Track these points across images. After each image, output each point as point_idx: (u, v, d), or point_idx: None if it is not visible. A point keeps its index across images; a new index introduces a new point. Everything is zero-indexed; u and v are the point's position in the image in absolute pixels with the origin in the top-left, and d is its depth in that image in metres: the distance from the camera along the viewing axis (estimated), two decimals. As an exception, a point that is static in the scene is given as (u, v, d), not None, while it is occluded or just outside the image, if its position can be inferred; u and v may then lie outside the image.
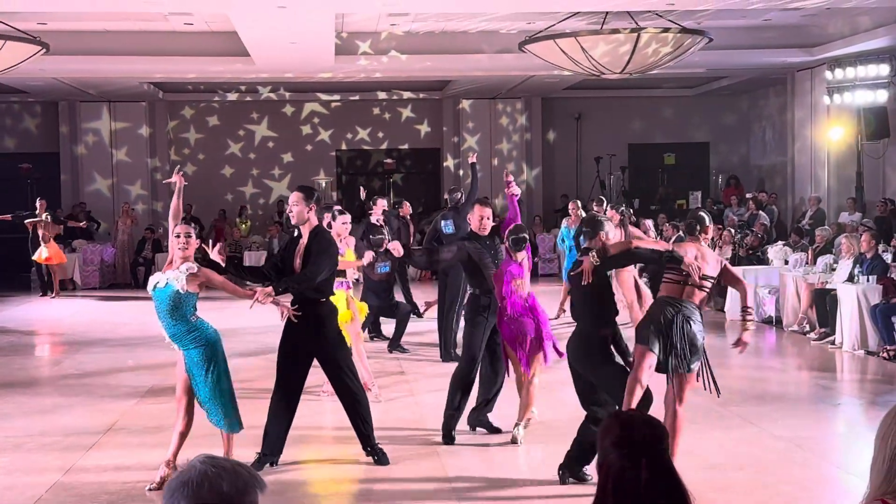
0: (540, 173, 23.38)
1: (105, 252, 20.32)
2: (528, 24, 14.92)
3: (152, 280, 6.40)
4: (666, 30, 12.93)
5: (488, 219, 7.66)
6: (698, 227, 6.56)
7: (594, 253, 6.29)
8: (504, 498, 6.40)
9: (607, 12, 13.11)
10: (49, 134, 22.44)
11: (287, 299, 6.77)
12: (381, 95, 23.02)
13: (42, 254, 17.55)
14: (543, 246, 21.40)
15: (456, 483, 6.53)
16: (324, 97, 22.97)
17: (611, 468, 2.63)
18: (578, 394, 6.50)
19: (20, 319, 15.39)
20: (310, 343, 6.75)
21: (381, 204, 12.47)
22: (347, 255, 8.83)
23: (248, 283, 7.30)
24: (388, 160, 23.80)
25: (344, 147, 23.53)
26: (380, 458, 6.87)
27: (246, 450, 6.75)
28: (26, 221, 18.01)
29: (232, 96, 22.61)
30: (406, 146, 23.68)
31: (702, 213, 6.74)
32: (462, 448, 7.44)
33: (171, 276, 6.23)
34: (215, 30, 15.25)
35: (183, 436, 6.46)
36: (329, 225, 8.49)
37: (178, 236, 6.31)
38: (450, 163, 23.37)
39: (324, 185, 23.18)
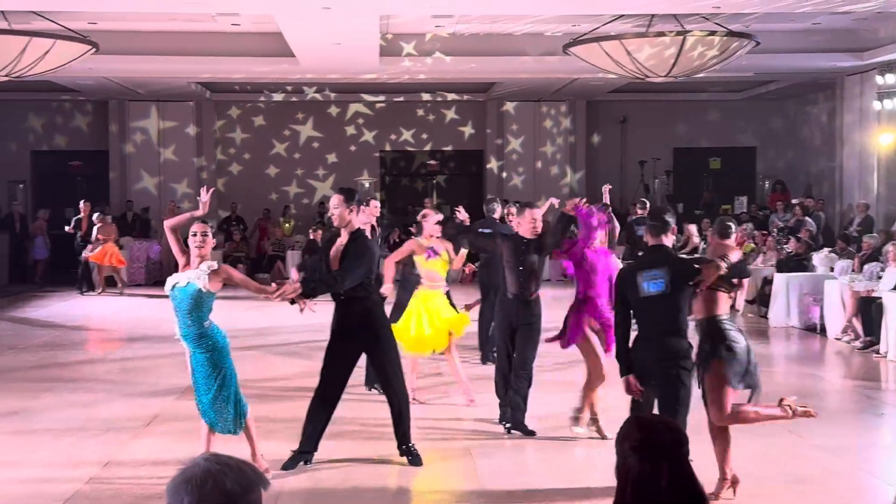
0: (583, 177, 23.26)
1: (151, 249, 20.57)
2: (573, 27, 14.86)
3: (171, 280, 6.41)
4: (712, 33, 12.83)
5: (539, 221, 7.76)
6: (731, 230, 6.54)
7: (722, 261, 5.98)
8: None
9: (653, 15, 13.03)
10: (99, 132, 22.79)
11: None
12: (426, 97, 23.07)
13: (91, 251, 17.77)
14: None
15: (488, 486, 6.51)
16: (368, 98, 23.07)
17: (630, 472, 2.61)
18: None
19: (66, 315, 15.63)
20: (358, 339, 6.77)
21: (375, 205, 12.76)
22: (444, 257, 8.67)
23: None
24: (432, 162, 23.85)
25: (388, 148, 23.61)
26: (413, 458, 6.88)
27: (275, 444, 6.81)
28: (71, 225, 18.29)
29: (278, 97, 22.79)
30: (450, 148, 23.70)
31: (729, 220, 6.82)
32: (497, 450, 7.44)
33: (193, 276, 6.26)
34: (262, 30, 15.38)
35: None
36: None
37: (195, 235, 6.34)
38: (493, 165, 23.34)
39: (367, 185, 23.28)
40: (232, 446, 6.40)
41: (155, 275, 20.37)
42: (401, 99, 23.01)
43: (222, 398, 6.34)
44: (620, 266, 7.60)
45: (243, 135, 23.19)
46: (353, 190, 7.16)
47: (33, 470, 6.87)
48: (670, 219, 6.26)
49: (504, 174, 23.13)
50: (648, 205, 14.33)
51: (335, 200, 6.86)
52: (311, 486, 6.41)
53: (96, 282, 18.41)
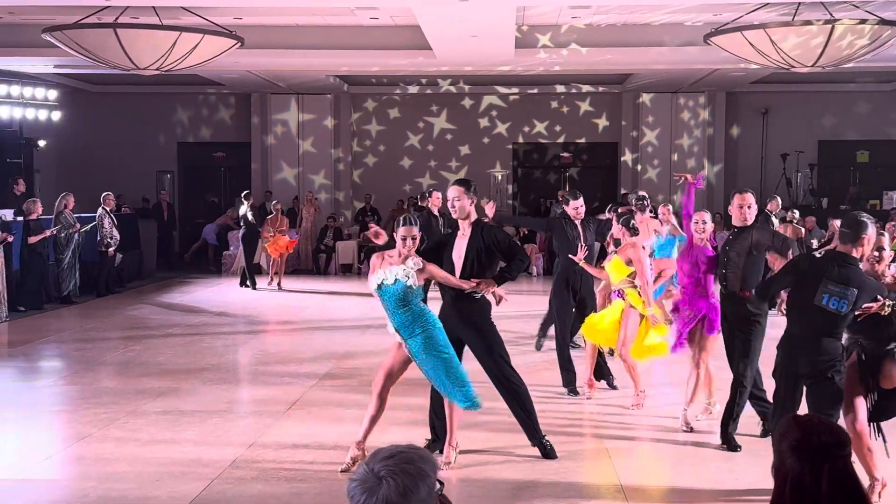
0: (722, 170, 22.73)
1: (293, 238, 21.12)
2: (714, 16, 14.50)
3: (375, 279, 6.46)
4: (862, 21, 12.30)
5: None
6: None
7: (888, 301, 5.60)
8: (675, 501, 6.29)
9: (799, 2, 12.59)
10: (242, 124, 23.54)
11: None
12: (560, 89, 22.94)
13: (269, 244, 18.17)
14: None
15: (625, 481, 6.43)
16: (502, 90, 23.09)
17: (788, 473, 2.54)
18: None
19: (209, 301, 16.23)
20: (459, 329, 6.78)
21: (437, 196, 13.59)
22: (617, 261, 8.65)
23: None
24: (565, 154, 23.71)
25: (521, 140, 23.58)
26: (547, 451, 6.86)
27: (408, 432, 6.90)
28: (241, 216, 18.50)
29: (413, 89, 23.04)
30: (583, 140, 23.51)
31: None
32: (635, 447, 7.36)
33: (401, 274, 6.38)
34: (399, 24, 15.56)
35: (374, 419, 6.60)
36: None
37: (405, 239, 6.44)
38: (627, 157, 23.04)
39: (499, 178, 23.33)
40: (407, 436, 6.52)
41: (292, 264, 20.90)
42: (534, 91, 22.94)
43: (453, 374, 6.41)
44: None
45: (379, 127, 23.55)
46: (470, 181, 7.18)
47: (182, 449, 7.15)
48: (866, 224, 5.66)
49: (639, 167, 22.80)
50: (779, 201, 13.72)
51: (456, 192, 6.84)
52: (441, 476, 6.47)
53: (269, 273, 18.60)
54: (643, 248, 8.68)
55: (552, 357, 10.74)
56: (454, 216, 6.94)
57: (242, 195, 18.31)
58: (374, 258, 6.57)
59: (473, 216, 6.89)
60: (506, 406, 6.99)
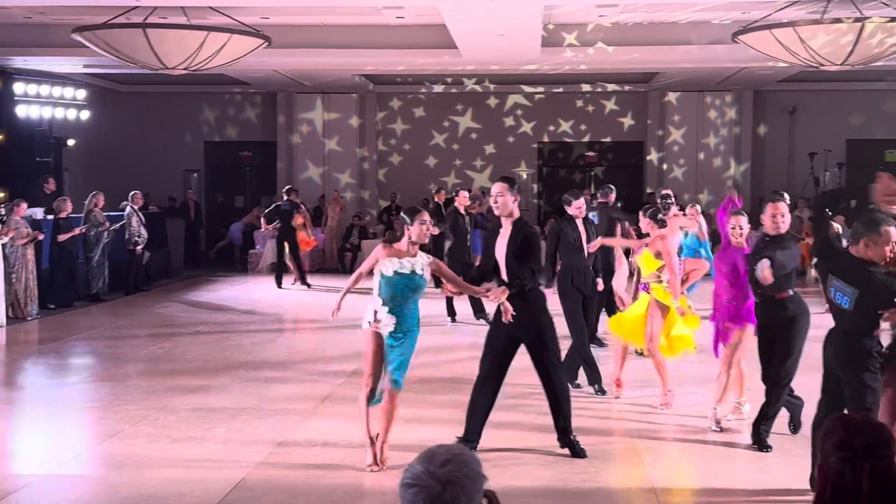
0: (748, 169, 22.60)
1: (315, 237, 21.18)
2: (742, 14, 14.42)
3: (391, 265, 6.51)
4: (893, 19, 12.19)
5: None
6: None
7: None
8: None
9: (829, 0, 12.49)
10: (268, 124, 23.64)
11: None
12: (585, 88, 22.88)
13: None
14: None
15: (656, 481, 6.42)
16: (527, 89, 23.06)
17: (830, 471, 2.53)
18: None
19: (236, 299, 16.31)
20: (517, 329, 6.78)
21: (464, 195, 13.99)
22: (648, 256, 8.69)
23: None
24: (590, 153, 23.64)
25: (546, 139, 23.54)
26: (576, 450, 6.86)
27: (440, 430, 6.91)
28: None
29: (438, 88, 23.05)
30: (609, 139, 23.44)
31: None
32: (664, 446, 7.34)
33: (418, 267, 6.51)
34: (425, 23, 15.58)
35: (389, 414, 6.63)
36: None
37: (424, 223, 6.54)
38: (653, 156, 22.95)
39: (524, 176, 23.30)
40: (438, 435, 6.53)
41: (317, 262, 20.98)
42: (560, 90, 22.89)
43: (405, 360, 6.60)
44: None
45: (404, 126, 23.58)
46: (514, 178, 7.21)
47: (212, 446, 7.20)
48: (878, 223, 5.57)
49: (664, 166, 22.71)
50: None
51: (499, 188, 6.89)
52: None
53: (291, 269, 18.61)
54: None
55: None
56: (497, 213, 6.97)
57: (284, 190, 18.45)
58: (381, 247, 6.63)
59: (516, 214, 6.92)
60: (532, 404, 7.00)
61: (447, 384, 9.15)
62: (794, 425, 7.39)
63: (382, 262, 6.55)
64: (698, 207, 12.41)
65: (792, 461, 6.70)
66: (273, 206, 18.43)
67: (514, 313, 6.63)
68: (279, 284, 17.77)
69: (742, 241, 7.44)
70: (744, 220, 7.54)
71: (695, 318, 8.53)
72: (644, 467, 6.72)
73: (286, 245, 17.97)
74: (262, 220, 18.66)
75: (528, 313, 6.76)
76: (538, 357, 6.90)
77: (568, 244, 9.24)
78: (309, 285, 17.83)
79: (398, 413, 6.69)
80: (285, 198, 18.10)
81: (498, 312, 6.85)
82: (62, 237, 14.76)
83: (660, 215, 8.84)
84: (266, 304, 15.89)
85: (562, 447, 6.92)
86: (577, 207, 9.27)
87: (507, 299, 6.69)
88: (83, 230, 15.26)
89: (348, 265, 20.83)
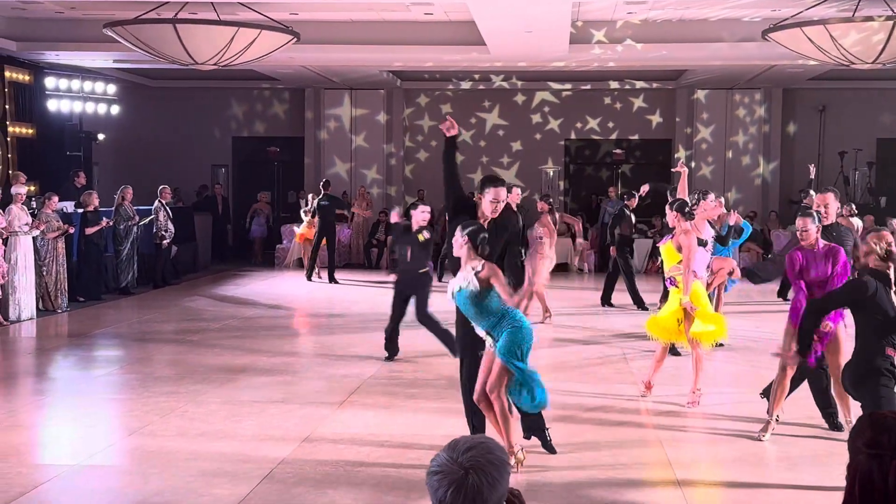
0: (777, 167, 22.46)
1: (341, 233, 21.25)
2: (772, 12, 14.32)
3: (451, 286, 6.38)
4: (926, 17, 12.08)
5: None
6: None
7: None
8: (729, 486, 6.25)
9: (861, -2, 12.40)
10: (295, 119, 23.74)
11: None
12: (613, 85, 22.81)
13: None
14: (779, 243, 20.51)
15: (679, 472, 6.41)
16: (555, 86, 23.02)
17: (858, 469, 2.53)
18: None
19: (263, 293, 16.40)
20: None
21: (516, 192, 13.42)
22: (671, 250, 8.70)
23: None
24: (618, 150, 23.58)
25: (573, 136, 23.49)
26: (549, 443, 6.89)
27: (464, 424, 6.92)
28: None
29: (465, 85, 23.06)
30: (636, 137, 23.36)
31: None
32: (691, 445, 7.32)
33: (462, 281, 6.23)
34: (453, 19, 15.59)
35: (496, 423, 6.42)
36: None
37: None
38: (681, 154, 22.84)
39: (551, 174, 23.27)
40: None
41: (343, 258, 21.05)
42: (587, 87, 22.84)
43: (527, 373, 6.22)
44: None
45: (431, 122, 23.59)
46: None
47: (241, 439, 7.25)
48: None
49: (692, 164, 22.58)
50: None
51: (504, 194, 6.85)
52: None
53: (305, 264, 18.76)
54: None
55: (606, 353, 10.76)
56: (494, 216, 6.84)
57: (322, 184, 18.59)
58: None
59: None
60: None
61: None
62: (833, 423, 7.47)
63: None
64: (722, 199, 12.34)
65: (821, 459, 6.67)
66: (315, 202, 18.38)
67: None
68: (309, 278, 17.88)
69: (809, 242, 7.17)
70: (809, 223, 7.11)
71: (713, 316, 8.45)
72: (671, 465, 6.71)
73: (324, 240, 18.02)
74: (304, 215, 18.73)
75: None
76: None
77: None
78: (336, 281, 17.90)
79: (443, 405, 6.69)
80: (322, 192, 18.19)
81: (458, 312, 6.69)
82: (89, 230, 14.89)
83: (687, 208, 8.75)
84: (293, 298, 15.97)
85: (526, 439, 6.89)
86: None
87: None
88: (110, 223, 15.37)
89: (374, 261, 20.90)
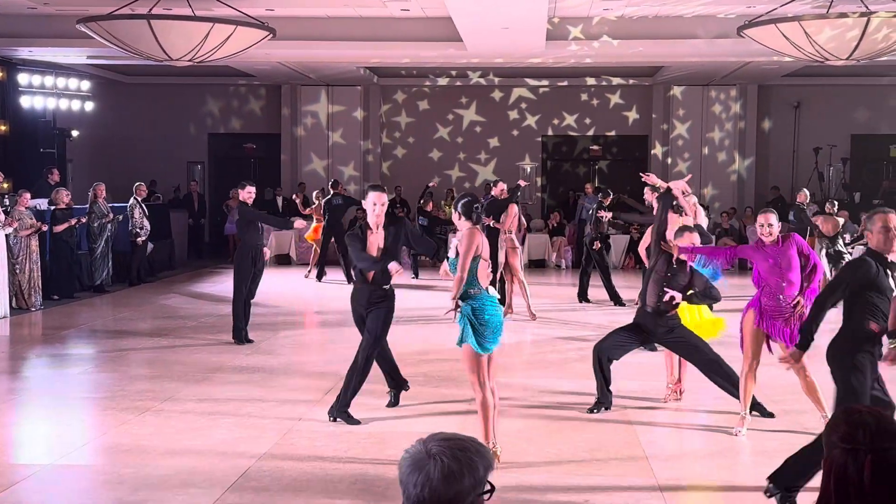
0: (753, 163, 22.60)
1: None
2: (748, 8, 14.40)
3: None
4: (899, 14, 12.17)
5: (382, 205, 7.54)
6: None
7: None
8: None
9: (835, -5, 12.49)
10: (272, 116, 23.64)
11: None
12: (590, 81, 22.87)
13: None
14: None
15: (656, 466, 6.43)
16: (532, 83, 23.04)
17: (833, 464, 2.54)
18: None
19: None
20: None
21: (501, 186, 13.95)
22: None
23: None
24: (595, 147, 23.64)
25: (550, 133, 23.54)
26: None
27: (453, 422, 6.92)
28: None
29: (442, 81, 23.04)
30: (613, 133, 23.43)
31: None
32: (662, 430, 7.35)
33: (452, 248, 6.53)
34: (430, 15, 15.57)
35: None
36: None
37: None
38: (658, 150, 22.95)
39: (528, 170, 23.30)
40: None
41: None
42: (564, 83, 22.88)
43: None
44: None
45: (408, 119, 23.57)
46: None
47: (217, 437, 7.21)
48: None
49: (669, 160, 22.70)
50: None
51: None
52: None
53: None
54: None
55: (583, 349, 10.80)
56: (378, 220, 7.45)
57: (331, 184, 18.45)
58: (476, 231, 6.48)
59: None
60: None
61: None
62: None
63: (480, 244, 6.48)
64: (695, 199, 12.40)
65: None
66: (325, 200, 18.17)
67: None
68: (320, 278, 17.77)
69: (772, 239, 7.24)
70: (772, 217, 7.30)
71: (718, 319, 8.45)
72: (648, 461, 6.73)
73: (333, 239, 17.80)
74: (312, 213, 18.51)
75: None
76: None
77: None
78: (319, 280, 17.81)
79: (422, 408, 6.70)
80: (332, 191, 18.06)
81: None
82: (58, 228, 14.69)
83: (675, 202, 8.78)
84: (270, 296, 15.88)
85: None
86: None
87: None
88: (81, 220, 15.14)
89: (351, 258, 20.82)
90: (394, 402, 8.09)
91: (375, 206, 7.43)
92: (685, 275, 7.61)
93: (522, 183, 14.35)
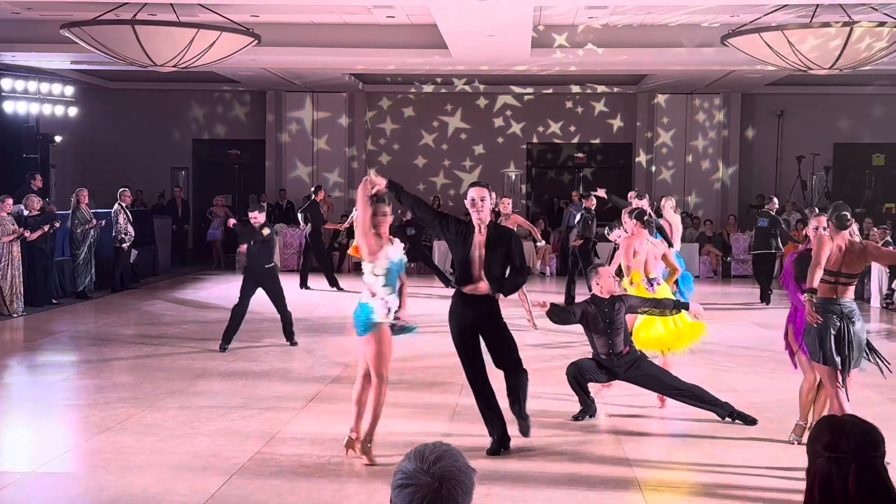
0: (736, 172, 22.71)
1: (304, 236, 21.11)
2: (731, 17, 14.47)
3: (389, 255, 6.75)
4: (881, 24, 12.25)
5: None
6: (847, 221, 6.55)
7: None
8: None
9: (818, 4, 12.55)
10: (256, 122, 23.59)
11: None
12: (575, 89, 22.92)
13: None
14: (737, 246, 20.74)
15: (639, 473, 6.43)
16: (517, 90, 23.08)
17: (818, 473, 2.54)
18: None
19: (223, 297, 16.15)
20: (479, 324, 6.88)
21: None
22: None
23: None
24: (579, 154, 23.69)
25: (535, 140, 23.57)
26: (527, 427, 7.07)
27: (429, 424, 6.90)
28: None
29: (427, 88, 23.05)
30: (598, 141, 23.49)
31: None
32: (644, 438, 7.35)
33: (400, 252, 6.83)
34: (415, 23, 15.58)
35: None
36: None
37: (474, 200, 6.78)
38: (642, 158, 23.02)
39: (513, 178, 23.33)
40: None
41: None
42: (549, 91, 22.93)
43: None
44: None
45: (393, 125, 23.57)
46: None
47: (201, 444, 7.17)
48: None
49: (653, 168, 22.77)
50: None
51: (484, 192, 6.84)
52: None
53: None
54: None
55: (567, 355, 10.79)
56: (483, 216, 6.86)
57: (312, 189, 18.46)
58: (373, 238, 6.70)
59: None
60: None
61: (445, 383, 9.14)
62: None
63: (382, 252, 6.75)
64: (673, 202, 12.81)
65: (780, 461, 6.72)
66: (307, 205, 18.15)
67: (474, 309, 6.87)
68: (331, 284, 17.73)
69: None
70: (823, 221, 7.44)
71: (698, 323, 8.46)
72: (631, 467, 6.73)
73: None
74: (300, 217, 18.48)
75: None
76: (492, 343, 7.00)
77: None
78: (308, 287, 17.77)
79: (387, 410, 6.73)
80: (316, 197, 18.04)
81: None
82: (31, 236, 14.29)
83: (646, 216, 8.93)
84: (253, 302, 15.80)
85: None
86: None
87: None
88: (54, 226, 14.78)
89: (336, 264, 20.79)
90: None
91: (475, 202, 6.66)
92: (621, 308, 7.69)
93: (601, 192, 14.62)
